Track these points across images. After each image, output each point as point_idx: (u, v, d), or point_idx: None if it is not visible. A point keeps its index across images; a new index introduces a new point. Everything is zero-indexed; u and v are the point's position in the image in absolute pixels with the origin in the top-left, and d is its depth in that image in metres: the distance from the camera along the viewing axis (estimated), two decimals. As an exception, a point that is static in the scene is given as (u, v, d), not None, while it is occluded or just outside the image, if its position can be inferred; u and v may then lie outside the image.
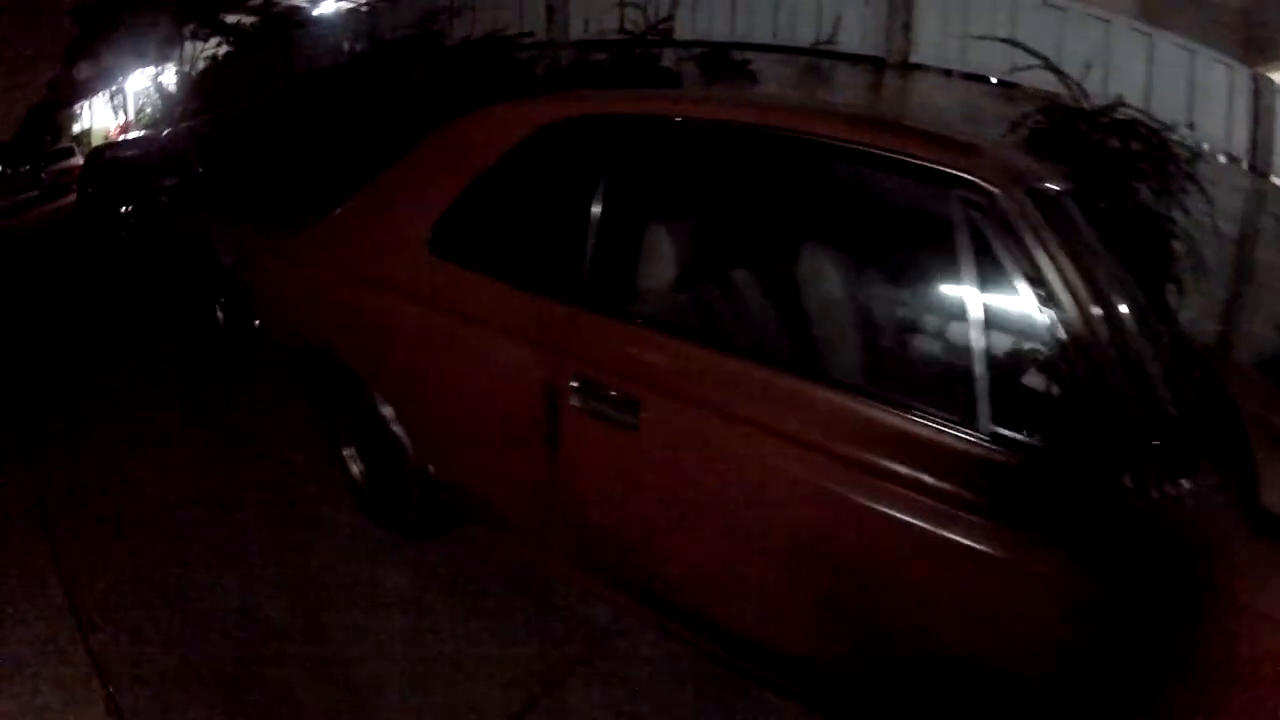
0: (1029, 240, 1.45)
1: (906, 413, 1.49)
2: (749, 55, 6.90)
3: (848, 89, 6.73)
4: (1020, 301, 1.45)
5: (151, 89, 19.10)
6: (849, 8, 6.75)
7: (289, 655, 2.27)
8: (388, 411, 2.50)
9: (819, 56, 6.83)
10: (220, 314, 5.09)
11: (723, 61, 6.88)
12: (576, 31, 8.09)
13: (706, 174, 2.22)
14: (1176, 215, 4.72)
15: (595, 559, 2.02)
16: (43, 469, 3.50)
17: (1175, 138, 4.91)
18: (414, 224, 2.30)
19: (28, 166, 23.72)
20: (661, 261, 2.05)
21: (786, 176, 2.10)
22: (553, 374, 1.90)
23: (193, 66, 15.69)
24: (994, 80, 6.18)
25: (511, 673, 2.17)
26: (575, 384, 1.86)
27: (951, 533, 1.40)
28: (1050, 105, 5.23)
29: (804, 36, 6.90)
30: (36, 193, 20.91)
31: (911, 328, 2.09)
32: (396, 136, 6.73)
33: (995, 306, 1.47)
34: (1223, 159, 5.70)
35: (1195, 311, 4.89)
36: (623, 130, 2.02)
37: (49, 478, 3.40)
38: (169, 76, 18.47)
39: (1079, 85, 5.25)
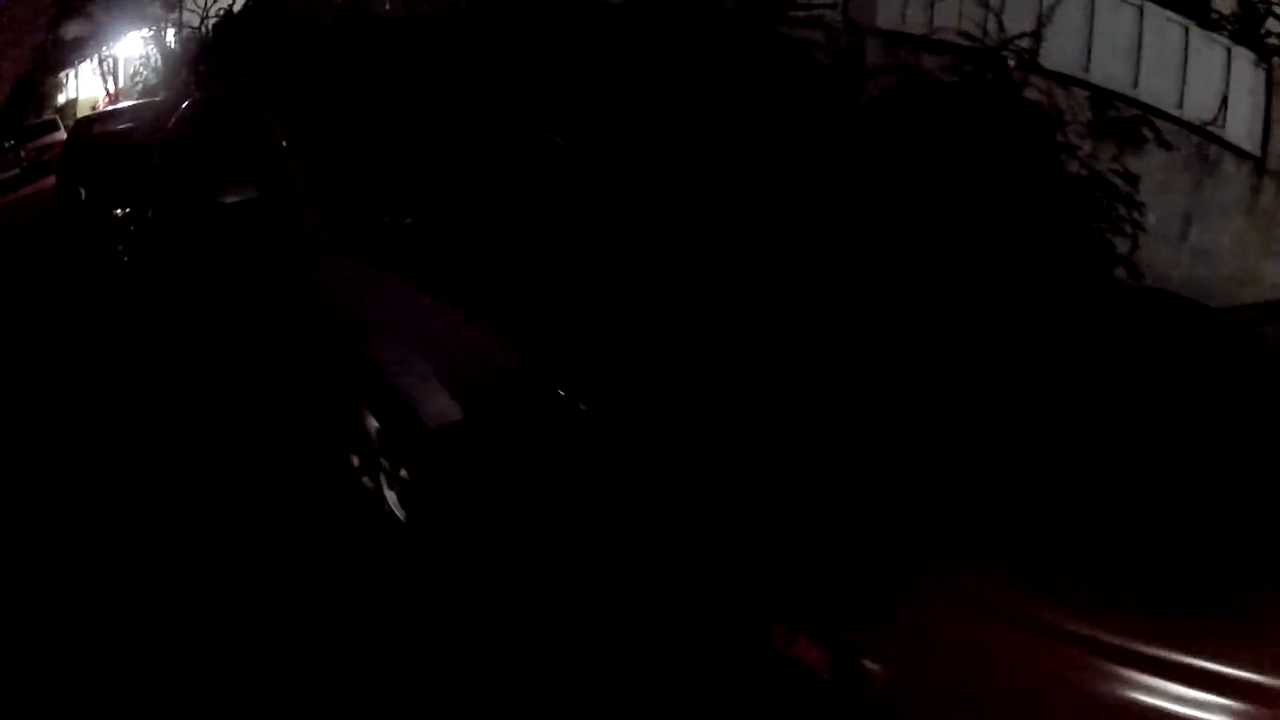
0: None
1: None
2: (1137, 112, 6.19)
3: (1223, 190, 6.61)
4: None
5: (151, 50, 16.13)
6: (1237, 91, 6.50)
7: None
8: None
9: (1203, 137, 6.49)
10: (390, 496, 2.41)
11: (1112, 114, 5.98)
12: (889, 19, 5.89)
13: None
14: None
15: None
16: None
17: None
18: None
19: (11, 142, 21.50)
20: None
21: None
22: None
23: (204, 23, 12.70)
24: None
25: None
26: None
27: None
28: None
29: (1193, 108, 6.51)
30: (17, 171, 19.08)
31: None
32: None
33: None
34: None
35: None
36: None
37: None
38: (169, 36, 15.50)
39: None
